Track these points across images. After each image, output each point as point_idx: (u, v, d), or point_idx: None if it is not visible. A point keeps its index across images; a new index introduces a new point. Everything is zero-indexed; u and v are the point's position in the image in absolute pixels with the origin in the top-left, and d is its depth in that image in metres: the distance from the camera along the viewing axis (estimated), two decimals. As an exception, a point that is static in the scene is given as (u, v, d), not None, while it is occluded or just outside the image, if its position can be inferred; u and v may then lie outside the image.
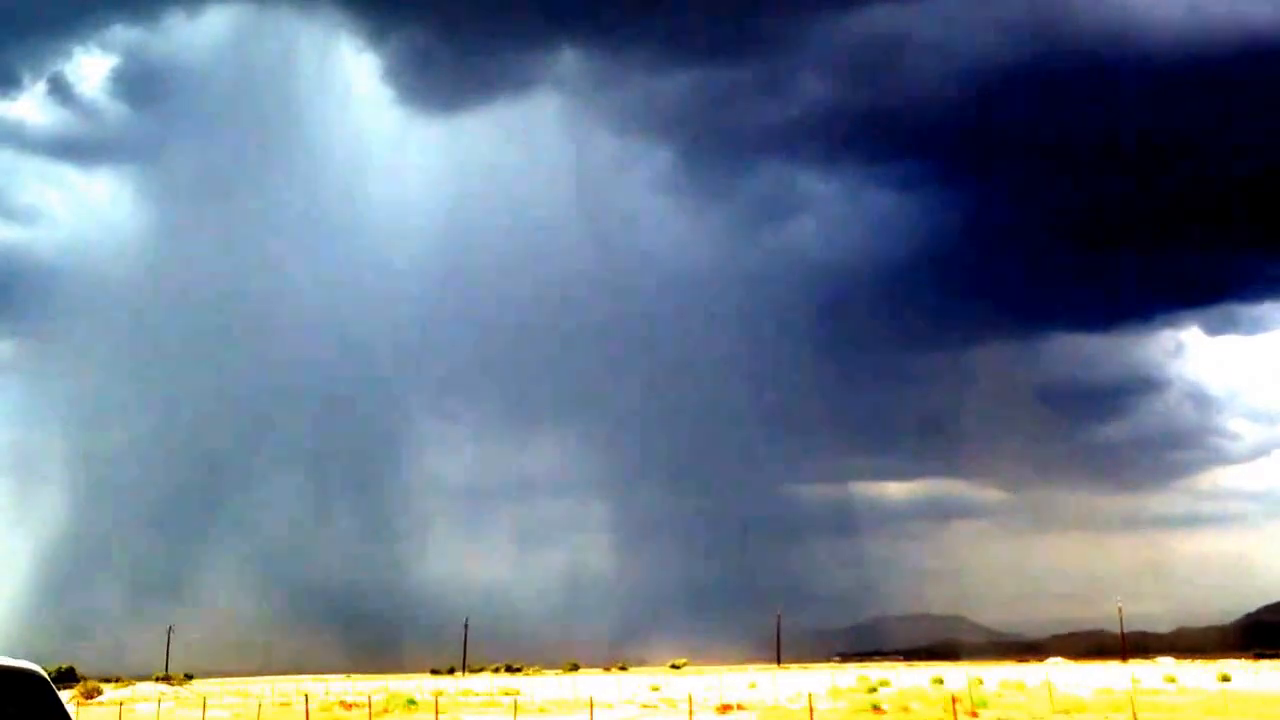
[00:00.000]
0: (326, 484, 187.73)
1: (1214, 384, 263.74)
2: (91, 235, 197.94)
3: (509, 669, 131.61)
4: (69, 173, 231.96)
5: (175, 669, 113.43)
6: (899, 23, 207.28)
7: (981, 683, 56.02)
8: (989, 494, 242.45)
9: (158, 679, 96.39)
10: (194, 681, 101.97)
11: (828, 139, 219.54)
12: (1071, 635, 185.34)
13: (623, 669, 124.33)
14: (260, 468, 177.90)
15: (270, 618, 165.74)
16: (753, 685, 62.02)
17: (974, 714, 36.70)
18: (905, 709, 39.83)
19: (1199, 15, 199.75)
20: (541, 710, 49.26)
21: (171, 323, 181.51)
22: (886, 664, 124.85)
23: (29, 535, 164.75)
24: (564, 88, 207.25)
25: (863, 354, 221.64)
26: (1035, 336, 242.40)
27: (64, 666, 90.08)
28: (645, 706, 44.99)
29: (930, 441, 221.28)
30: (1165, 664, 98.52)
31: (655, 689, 63.68)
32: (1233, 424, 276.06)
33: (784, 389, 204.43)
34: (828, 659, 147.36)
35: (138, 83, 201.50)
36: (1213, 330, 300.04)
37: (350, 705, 53.94)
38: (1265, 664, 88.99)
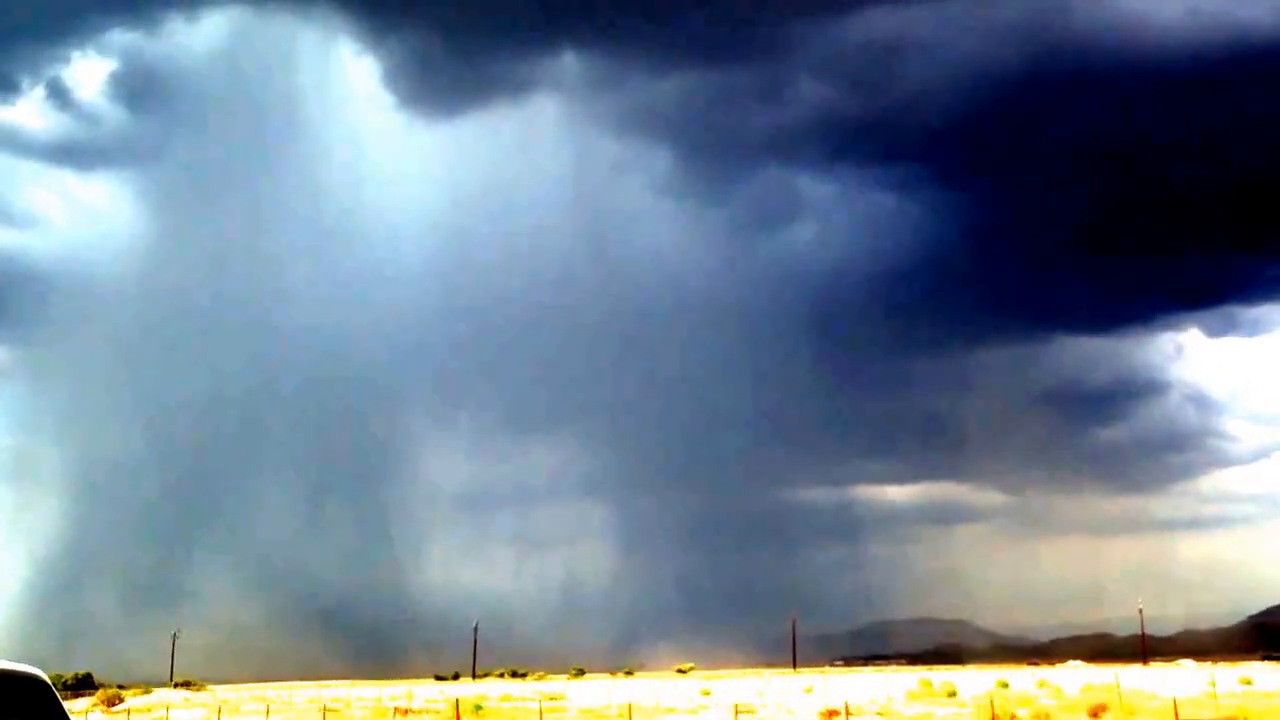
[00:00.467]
0: (325, 487, 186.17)
1: (1215, 386, 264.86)
2: (89, 240, 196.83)
3: (514, 674, 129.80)
4: (67, 177, 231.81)
5: (174, 675, 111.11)
6: (897, 26, 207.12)
7: (1046, 684, 54.87)
8: (991, 497, 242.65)
9: (176, 685, 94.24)
10: (204, 688, 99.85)
11: (827, 142, 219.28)
12: (1075, 638, 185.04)
13: (629, 674, 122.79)
14: (258, 473, 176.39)
15: (267, 623, 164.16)
16: (809, 689, 60.56)
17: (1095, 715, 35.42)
18: (1045, 715, 38.27)
19: (1198, 17, 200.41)
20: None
21: (169, 328, 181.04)
22: (892, 668, 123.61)
23: (25, 541, 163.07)
24: (563, 90, 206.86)
25: (863, 357, 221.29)
26: (1036, 340, 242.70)
27: (80, 673, 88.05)
28: (743, 710, 43.51)
29: (932, 445, 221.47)
30: (1188, 666, 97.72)
31: (706, 693, 62.29)
32: (1233, 426, 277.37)
33: (784, 392, 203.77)
34: (831, 663, 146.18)
35: (136, 87, 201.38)
36: (1213, 332, 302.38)
37: (405, 711, 52.19)
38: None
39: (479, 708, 50.98)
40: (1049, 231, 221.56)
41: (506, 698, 66.81)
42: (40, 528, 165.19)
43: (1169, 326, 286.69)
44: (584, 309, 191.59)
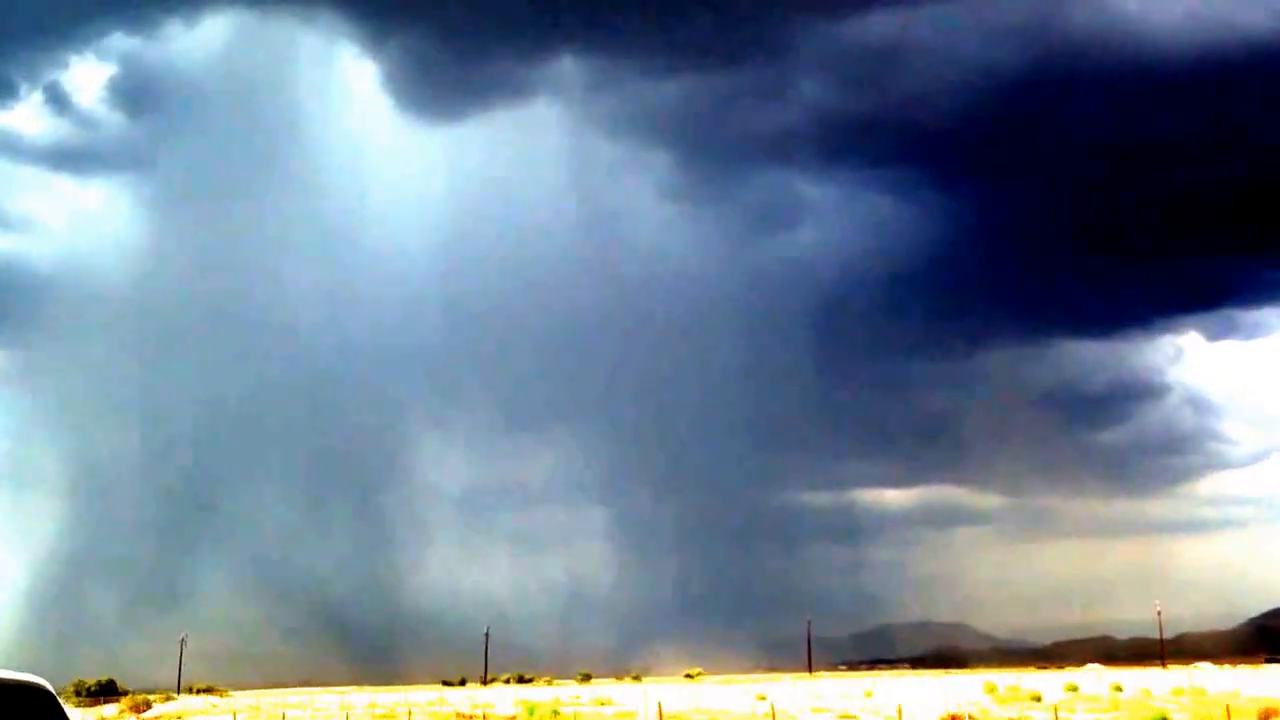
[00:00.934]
0: (324, 490, 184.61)
1: (1214, 389, 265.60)
2: (87, 245, 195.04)
3: (521, 679, 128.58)
4: (65, 182, 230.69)
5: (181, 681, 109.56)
6: (895, 27, 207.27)
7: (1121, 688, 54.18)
8: (990, 500, 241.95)
9: (197, 691, 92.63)
10: (226, 694, 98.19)
11: (825, 143, 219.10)
12: (1075, 642, 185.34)
13: (636, 679, 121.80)
14: (258, 476, 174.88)
15: (269, 628, 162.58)
16: (869, 694, 59.64)
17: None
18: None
19: (1198, 19, 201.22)
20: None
21: (167, 332, 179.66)
22: (895, 672, 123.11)
23: (22, 546, 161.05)
24: (562, 93, 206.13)
25: (863, 359, 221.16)
26: (1035, 342, 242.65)
27: (104, 679, 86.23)
28: (844, 717, 42.53)
29: (931, 448, 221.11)
30: (1205, 669, 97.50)
31: (761, 698, 61.27)
32: (1232, 429, 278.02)
33: (783, 394, 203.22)
34: (833, 667, 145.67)
35: (135, 92, 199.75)
36: (1212, 335, 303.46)
37: (467, 717, 50.97)
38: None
39: (556, 712, 49.76)
40: (1049, 234, 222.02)
41: (556, 702, 65.55)
42: (38, 531, 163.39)
43: (1168, 329, 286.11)
44: (584, 311, 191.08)
